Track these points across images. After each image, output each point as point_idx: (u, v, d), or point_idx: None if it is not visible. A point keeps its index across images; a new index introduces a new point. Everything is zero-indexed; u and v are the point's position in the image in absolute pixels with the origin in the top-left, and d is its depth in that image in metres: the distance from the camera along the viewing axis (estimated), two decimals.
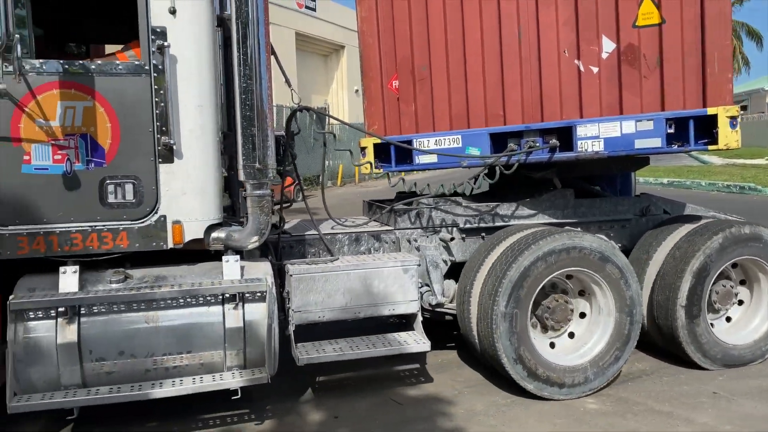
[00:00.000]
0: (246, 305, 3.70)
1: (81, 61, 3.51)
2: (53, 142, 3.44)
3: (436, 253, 4.66)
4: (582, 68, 4.57)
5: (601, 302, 4.37)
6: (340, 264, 4.18)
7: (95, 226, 3.56)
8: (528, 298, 4.16)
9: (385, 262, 4.23)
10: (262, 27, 3.66)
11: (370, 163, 4.87)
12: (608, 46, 4.52)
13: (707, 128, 4.29)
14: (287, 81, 4.44)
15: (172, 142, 3.59)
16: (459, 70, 4.81)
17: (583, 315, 4.47)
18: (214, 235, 3.81)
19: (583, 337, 4.38)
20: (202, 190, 3.73)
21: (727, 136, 4.21)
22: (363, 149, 4.97)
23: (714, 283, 4.65)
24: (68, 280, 3.51)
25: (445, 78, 4.84)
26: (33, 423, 3.88)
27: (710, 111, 4.23)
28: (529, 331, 4.16)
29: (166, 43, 3.53)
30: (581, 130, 4.43)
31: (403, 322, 4.56)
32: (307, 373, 4.49)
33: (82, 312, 3.47)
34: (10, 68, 3.18)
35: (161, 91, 3.56)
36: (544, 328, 4.40)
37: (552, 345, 4.37)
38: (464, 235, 4.77)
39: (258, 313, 3.71)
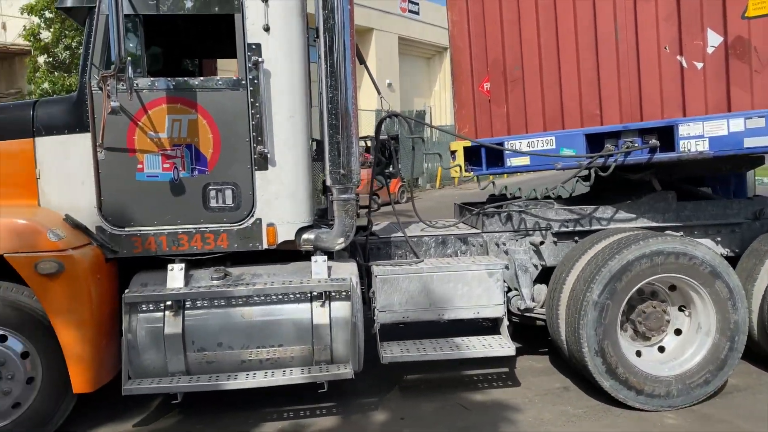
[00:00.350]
0: (332, 303, 3.90)
1: (185, 78, 3.86)
2: (162, 152, 3.83)
3: (526, 257, 4.60)
4: (685, 64, 4.31)
5: (702, 319, 4.12)
6: (424, 266, 4.26)
7: (199, 228, 3.91)
8: (624, 293, 4.03)
9: (469, 266, 4.26)
10: (347, 40, 3.82)
11: (460, 167, 4.90)
12: (714, 39, 4.23)
13: None
14: (376, 88, 4.60)
15: (266, 150, 3.86)
16: (553, 70, 4.72)
17: (678, 332, 4.23)
18: (305, 236, 4.05)
19: (674, 352, 4.15)
20: (293, 195, 3.97)
21: None
22: (453, 152, 5.01)
23: None
24: (175, 276, 3.89)
25: (538, 78, 4.77)
26: (141, 407, 4.31)
27: None
28: (617, 328, 4.03)
29: (260, 59, 3.80)
30: (683, 129, 4.18)
31: (491, 326, 4.56)
32: (384, 372, 4.61)
33: (186, 306, 3.83)
34: (124, 87, 3.58)
35: (257, 104, 3.83)
36: (636, 335, 4.22)
37: (638, 354, 4.18)
38: (556, 239, 4.67)
39: (343, 310, 3.89)
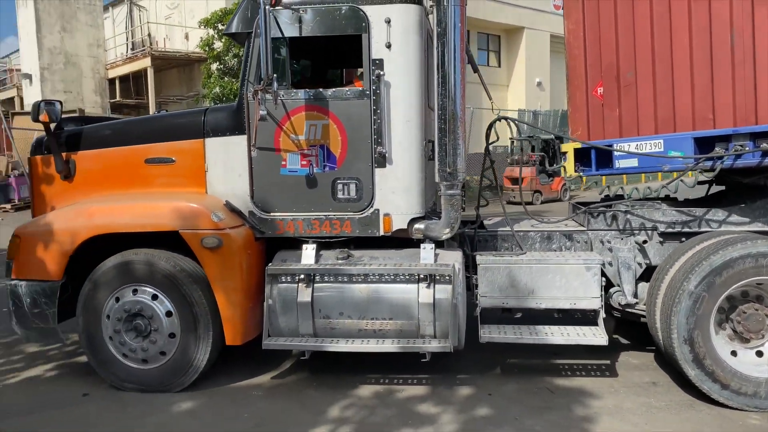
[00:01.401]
0: (436, 285, 4.43)
1: (320, 90, 4.60)
2: (301, 151, 4.61)
3: (630, 255, 4.78)
4: None
5: None
6: (524, 258, 4.64)
7: (328, 215, 4.65)
8: (722, 288, 4.14)
9: (567, 259, 4.57)
10: (457, 54, 4.31)
11: (563, 167, 5.17)
12: None
13: None
14: (488, 93, 5.03)
15: (384, 150, 4.50)
16: (665, 75, 4.83)
17: None
18: (416, 226, 4.62)
19: None
20: (407, 190, 4.57)
21: None
22: (563, 154, 5.29)
23: None
24: (308, 254, 4.67)
25: (651, 83, 4.90)
26: (274, 364, 5.17)
27: None
28: (710, 321, 4.16)
29: (382, 72, 4.44)
30: None
31: (590, 318, 4.81)
32: (488, 355, 5.04)
33: (315, 279, 4.58)
34: (270, 98, 4.40)
35: (377, 111, 4.48)
36: (734, 334, 4.26)
37: (734, 353, 4.21)
38: (662, 239, 4.80)
39: (445, 292, 4.41)
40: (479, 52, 32.17)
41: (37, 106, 4.91)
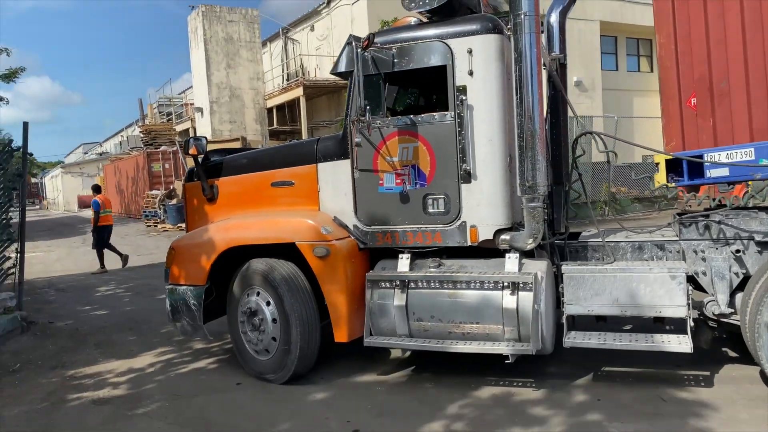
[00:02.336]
0: (519, 292, 4.75)
1: (411, 117, 5.15)
2: (395, 171, 5.18)
3: (724, 264, 4.73)
4: None
5: None
6: (608, 267, 4.80)
7: (420, 227, 5.16)
8: None
9: (651, 269, 4.66)
10: (534, 79, 4.62)
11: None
12: None
13: None
14: (572, 109, 5.25)
15: (469, 168, 4.93)
16: (761, 84, 4.77)
17: None
18: (502, 237, 4.98)
19: None
20: (491, 203, 4.95)
21: None
22: (656, 164, 5.34)
23: None
24: (403, 263, 5.21)
25: (745, 92, 4.85)
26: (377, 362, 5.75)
27: None
28: None
29: (465, 97, 4.89)
30: None
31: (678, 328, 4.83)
32: (584, 361, 5.20)
33: (410, 285, 5.11)
34: (364, 126, 5.03)
35: (462, 132, 4.93)
36: None
37: None
38: (760, 249, 4.70)
39: (527, 299, 4.71)
40: (628, 57, 30.87)
41: (187, 142, 6.00)
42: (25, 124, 8.54)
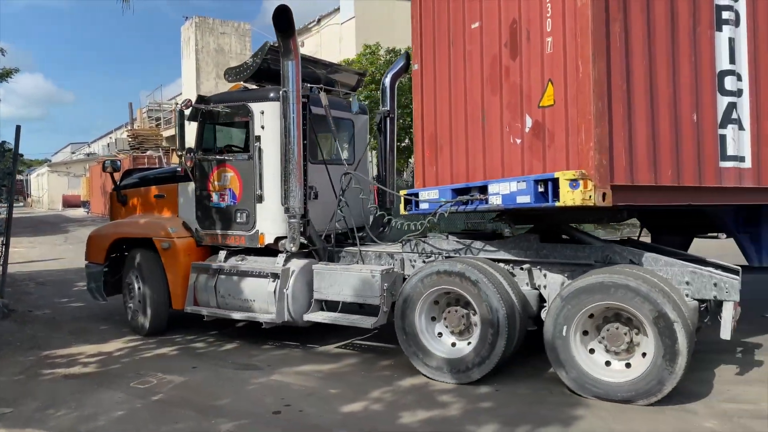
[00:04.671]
0: (278, 280, 6.85)
1: (226, 155, 7.39)
2: (220, 192, 7.43)
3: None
4: (512, 140, 5.86)
5: None
6: (337, 267, 6.83)
7: (233, 233, 7.37)
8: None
9: (361, 269, 6.64)
10: (295, 133, 6.74)
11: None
12: (528, 122, 5.69)
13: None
14: (339, 152, 7.32)
15: (261, 193, 7.11)
16: (460, 140, 6.63)
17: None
18: (280, 242, 7.10)
19: None
20: (273, 218, 7.10)
21: (566, 194, 5.00)
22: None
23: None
24: (220, 257, 7.44)
25: (449, 149, 6.71)
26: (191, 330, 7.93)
27: (556, 174, 5.09)
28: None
29: (258, 144, 7.08)
30: (491, 188, 5.77)
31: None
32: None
33: (220, 272, 7.32)
34: (195, 159, 7.32)
35: (257, 167, 7.11)
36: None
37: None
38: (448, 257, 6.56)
39: (280, 285, 6.81)
40: None
41: (104, 163, 8.52)
42: (18, 127, 9.78)
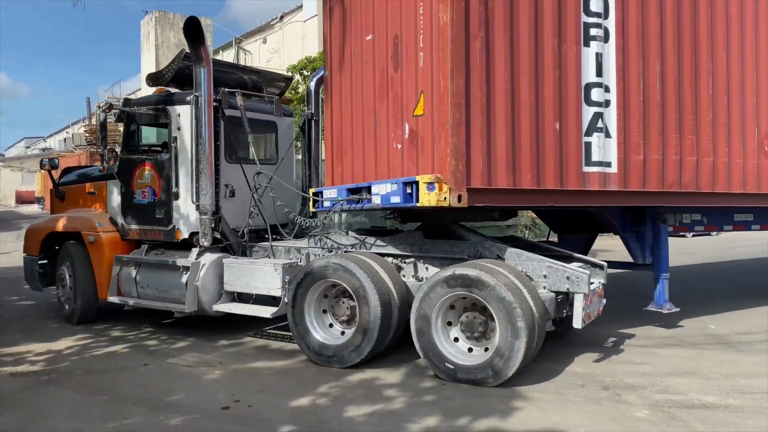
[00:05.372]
0: (189, 273, 7.34)
1: (147, 155, 7.88)
2: (141, 189, 7.91)
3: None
4: (395, 145, 6.36)
5: None
6: (244, 260, 7.33)
7: (153, 228, 7.86)
8: (312, 283, 6.44)
9: (264, 263, 7.14)
10: (206, 135, 7.24)
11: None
12: (407, 130, 6.19)
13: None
14: (254, 155, 7.82)
15: (177, 190, 7.60)
16: (364, 143, 7.14)
17: None
18: (195, 237, 7.60)
19: None
20: (188, 215, 7.59)
21: (423, 196, 5.51)
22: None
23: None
24: (142, 250, 7.94)
25: (351, 152, 7.22)
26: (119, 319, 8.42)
27: (417, 178, 5.60)
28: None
29: (175, 144, 7.57)
30: (374, 189, 6.26)
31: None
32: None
33: (140, 264, 7.81)
34: (110, 159, 7.80)
35: (173, 165, 7.60)
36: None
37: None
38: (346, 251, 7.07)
39: (191, 277, 7.31)
40: None
41: (42, 161, 9.00)
42: None
